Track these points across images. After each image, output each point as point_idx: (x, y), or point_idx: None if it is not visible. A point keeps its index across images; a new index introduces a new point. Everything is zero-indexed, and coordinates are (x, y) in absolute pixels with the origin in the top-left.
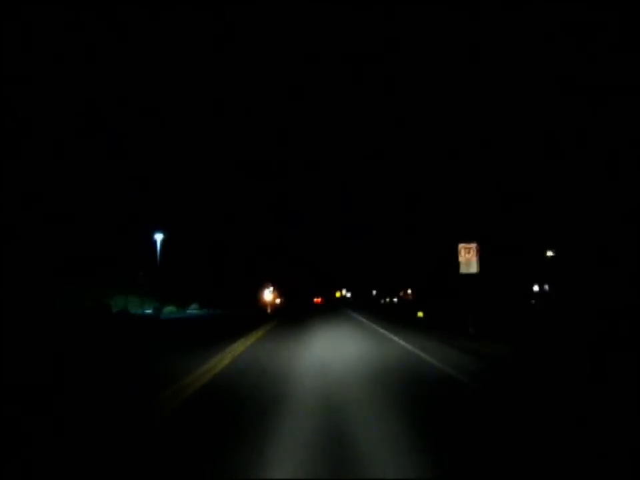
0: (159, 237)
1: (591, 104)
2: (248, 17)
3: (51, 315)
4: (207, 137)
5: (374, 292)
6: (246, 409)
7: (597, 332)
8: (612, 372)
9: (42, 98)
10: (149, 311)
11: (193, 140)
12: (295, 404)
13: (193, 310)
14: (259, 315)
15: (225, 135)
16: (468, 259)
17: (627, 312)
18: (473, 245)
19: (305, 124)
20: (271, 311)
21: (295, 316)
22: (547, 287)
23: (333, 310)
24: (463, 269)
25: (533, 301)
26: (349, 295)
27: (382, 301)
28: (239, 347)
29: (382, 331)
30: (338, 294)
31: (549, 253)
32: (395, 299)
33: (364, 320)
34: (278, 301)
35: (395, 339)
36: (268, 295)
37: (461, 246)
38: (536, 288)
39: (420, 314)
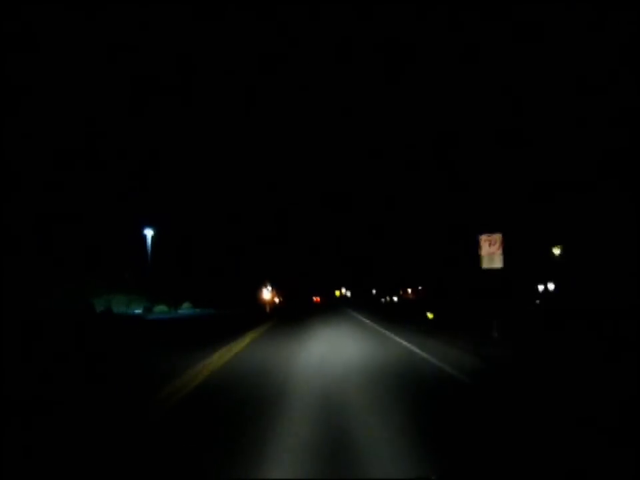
0: (148, 233)
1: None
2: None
3: (20, 316)
4: (206, 135)
5: (374, 291)
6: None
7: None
8: None
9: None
10: (138, 311)
11: (191, 138)
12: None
13: (185, 310)
14: (256, 315)
15: (224, 133)
16: (490, 252)
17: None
18: (496, 236)
19: (304, 122)
20: (270, 310)
21: (294, 316)
22: (551, 286)
23: (334, 309)
24: (485, 264)
25: (537, 301)
26: (348, 293)
27: (382, 300)
28: (226, 354)
29: (394, 337)
30: (337, 293)
31: (556, 251)
32: (395, 298)
33: (367, 321)
34: (277, 300)
35: (409, 345)
36: (266, 293)
37: (482, 237)
38: (540, 287)
39: (429, 315)
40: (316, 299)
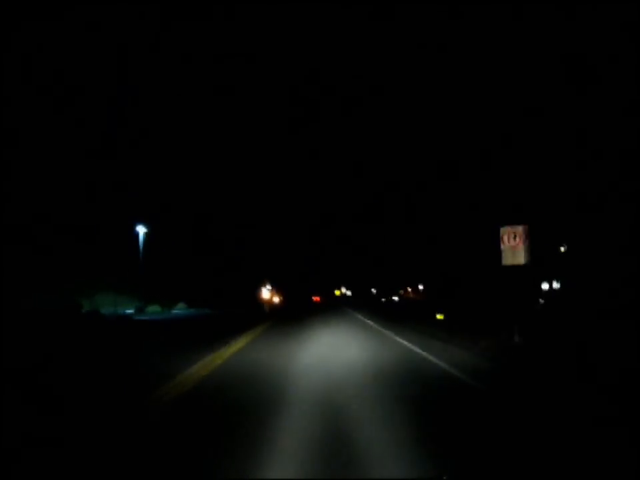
0: (141, 230)
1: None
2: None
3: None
4: (204, 131)
5: (373, 290)
6: None
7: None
8: None
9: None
10: (130, 311)
11: (189, 134)
12: None
13: (179, 310)
14: (253, 315)
15: (223, 131)
16: (513, 246)
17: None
18: (520, 228)
19: (302, 121)
20: (269, 309)
21: (292, 316)
22: (556, 284)
23: (334, 309)
24: (507, 259)
25: (542, 300)
26: (349, 293)
27: (383, 300)
28: (213, 362)
29: (403, 342)
30: (337, 292)
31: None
32: (396, 298)
33: (371, 323)
34: (276, 299)
35: (424, 353)
36: (266, 293)
37: (505, 230)
38: (545, 286)
39: (439, 316)
40: (315, 298)
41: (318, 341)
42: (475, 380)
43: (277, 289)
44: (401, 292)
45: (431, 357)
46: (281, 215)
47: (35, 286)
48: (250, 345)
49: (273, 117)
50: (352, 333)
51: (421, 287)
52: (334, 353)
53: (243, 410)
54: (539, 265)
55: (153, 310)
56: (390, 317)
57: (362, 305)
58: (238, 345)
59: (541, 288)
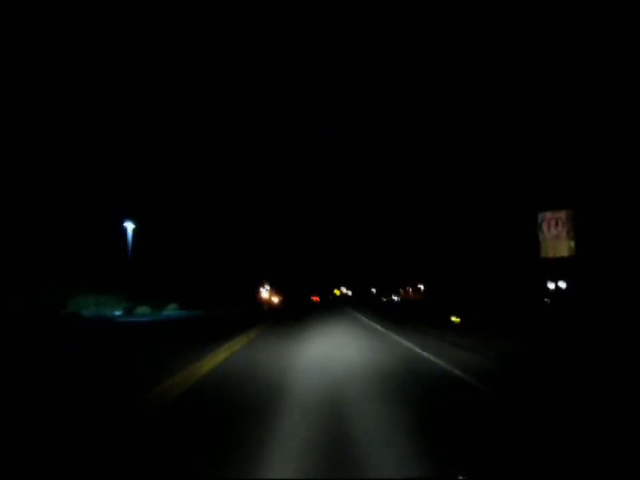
0: (129, 226)
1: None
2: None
3: None
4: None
5: (373, 290)
6: None
7: None
8: None
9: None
10: (118, 312)
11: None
12: None
13: (170, 311)
14: (250, 316)
15: (222, 129)
16: (555, 235)
17: None
18: (563, 213)
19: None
20: (267, 309)
21: (291, 316)
22: (562, 284)
23: (335, 310)
24: (548, 251)
25: (547, 300)
26: (349, 292)
27: (384, 299)
28: (196, 373)
29: (420, 352)
30: (337, 292)
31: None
32: (395, 298)
33: (377, 326)
34: (276, 299)
35: (457, 371)
36: (264, 293)
37: (544, 216)
38: (551, 285)
39: (455, 319)
40: (315, 298)
41: (317, 344)
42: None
43: (275, 289)
44: (401, 291)
45: (462, 374)
46: (281, 215)
47: (18, 286)
48: (244, 348)
49: (272, 114)
50: (359, 339)
51: (421, 287)
52: (335, 362)
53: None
54: (545, 263)
55: (142, 311)
56: (395, 318)
57: (363, 304)
58: (233, 347)
59: (547, 287)
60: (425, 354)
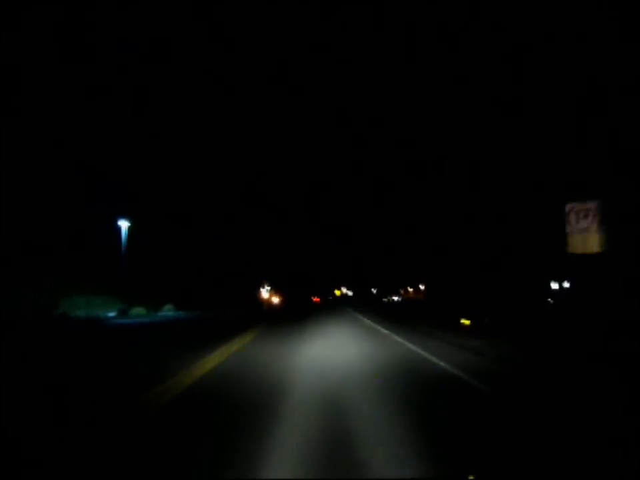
0: (124, 225)
1: None
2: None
3: None
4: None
5: (374, 290)
6: None
7: None
8: None
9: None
10: (112, 314)
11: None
12: None
13: (166, 312)
14: (249, 317)
15: (220, 128)
16: (584, 228)
17: None
18: (592, 205)
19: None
20: (267, 310)
21: (291, 317)
22: (566, 284)
23: (336, 311)
24: (576, 246)
25: (550, 300)
26: (350, 293)
27: (385, 300)
28: (182, 381)
29: (435, 360)
30: (338, 292)
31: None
32: (396, 298)
33: (382, 330)
34: (276, 300)
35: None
36: (264, 293)
37: (572, 207)
38: (555, 285)
39: (465, 321)
40: (315, 299)
41: (316, 347)
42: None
43: (276, 289)
44: (401, 292)
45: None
46: (280, 215)
47: (8, 286)
48: (239, 352)
49: (270, 111)
50: (365, 344)
51: (422, 287)
52: (336, 370)
53: None
54: (548, 263)
55: (137, 312)
56: (400, 320)
57: (364, 305)
58: (230, 348)
59: (550, 287)
60: (443, 364)
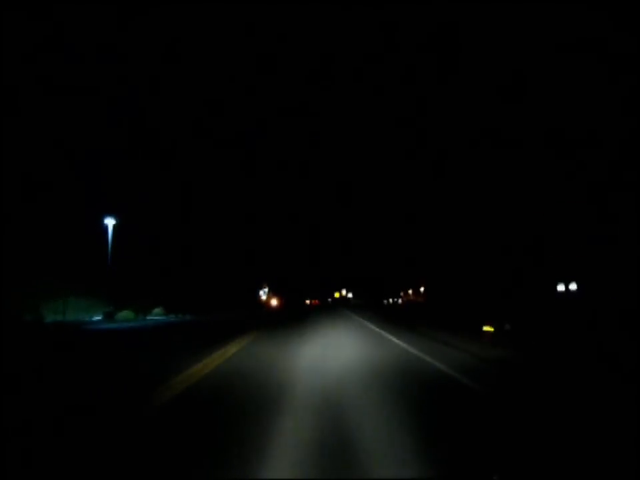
0: (110, 223)
1: None
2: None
3: None
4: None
5: (373, 292)
6: None
7: None
8: None
9: None
10: (97, 318)
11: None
12: None
13: (156, 316)
14: (244, 322)
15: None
16: None
17: None
18: None
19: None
20: (267, 311)
21: (290, 320)
22: (573, 285)
23: (336, 313)
24: None
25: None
26: (350, 295)
27: (385, 302)
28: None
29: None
30: (337, 294)
31: None
32: (398, 300)
33: (393, 339)
34: (275, 302)
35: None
36: (263, 296)
37: None
38: (561, 287)
39: (488, 328)
40: (314, 301)
41: (316, 358)
42: None
43: (274, 291)
44: (401, 294)
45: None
46: (279, 215)
47: None
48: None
49: (270, 108)
50: (378, 361)
51: (422, 289)
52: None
53: None
54: (555, 265)
55: (125, 316)
56: (410, 323)
57: (365, 307)
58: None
59: (556, 289)
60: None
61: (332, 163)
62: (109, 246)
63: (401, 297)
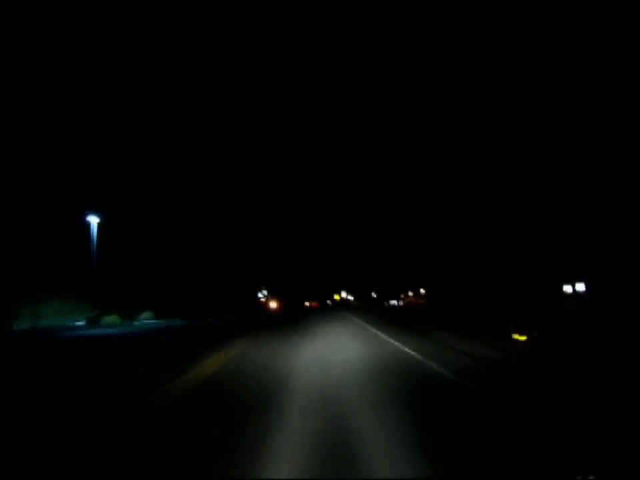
0: (93, 221)
1: None
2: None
3: None
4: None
5: (374, 294)
6: None
7: None
8: None
9: None
10: (80, 323)
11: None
12: None
13: (144, 320)
14: (238, 326)
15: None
16: None
17: None
18: None
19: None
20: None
21: (288, 323)
22: (580, 286)
23: (336, 315)
24: None
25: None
26: (350, 297)
27: (388, 303)
28: None
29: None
30: (337, 296)
31: None
32: (395, 302)
33: (409, 351)
34: (274, 304)
35: None
36: (262, 298)
37: None
38: (567, 288)
39: (519, 337)
40: (314, 303)
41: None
42: None
43: (273, 294)
44: (402, 296)
45: None
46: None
47: None
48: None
49: (268, 106)
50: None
51: (422, 291)
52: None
53: None
54: (562, 264)
55: (110, 321)
56: (421, 327)
57: (366, 309)
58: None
59: (562, 290)
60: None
61: (332, 163)
62: (93, 246)
63: (401, 298)
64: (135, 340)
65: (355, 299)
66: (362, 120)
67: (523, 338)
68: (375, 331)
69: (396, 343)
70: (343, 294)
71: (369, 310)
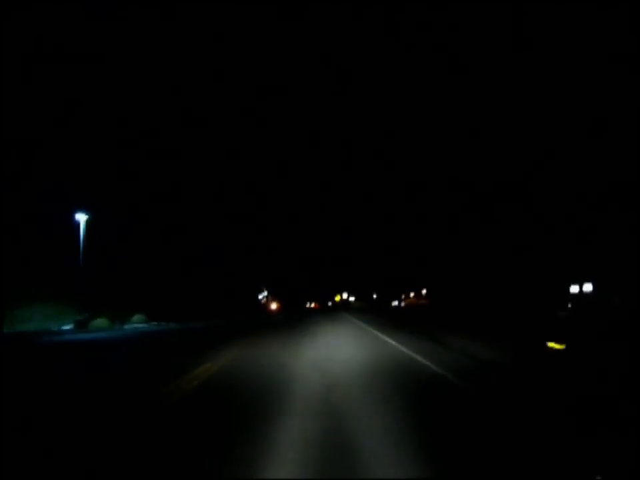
0: (81, 218)
1: None
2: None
3: None
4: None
5: (374, 295)
6: None
7: None
8: None
9: None
10: (67, 327)
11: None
12: None
13: (136, 324)
14: (234, 329)
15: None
16: None
17: None
18: None
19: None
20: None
21: (288, 325)
22: (588, 287)
23: (337, 317)
24: None
25: (570, 305)
26: (351, 298)
27: (393, 304)
28: None
29: None
30: (338, 298)
31: None
32: (396, 303)
33: (442, 373)
34: (274, 306)
35: None
36: (262, 300)
37: None
38: (574, 289)
39: (555, 345)
40: (315, 305)
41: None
42: None
43: (274, 295)
44: (403, 296)
45: None
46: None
47: None
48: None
49: (268, 104)
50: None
51: (423, 292)
52: None
53: None
54: (568, 265)
55: (99, 325)
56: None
57: (367, 310)
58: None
59: (569, 291)
60: None
61: (332, 163)
62: (81, 245)
63: (402, 299)
64: (121, 345)
65: (356, 300)
66: (362, 124)
67: (560, 347)
68: (384, 337)
69: (409, 352)
70: (344, 295)
71: (370, 311)
